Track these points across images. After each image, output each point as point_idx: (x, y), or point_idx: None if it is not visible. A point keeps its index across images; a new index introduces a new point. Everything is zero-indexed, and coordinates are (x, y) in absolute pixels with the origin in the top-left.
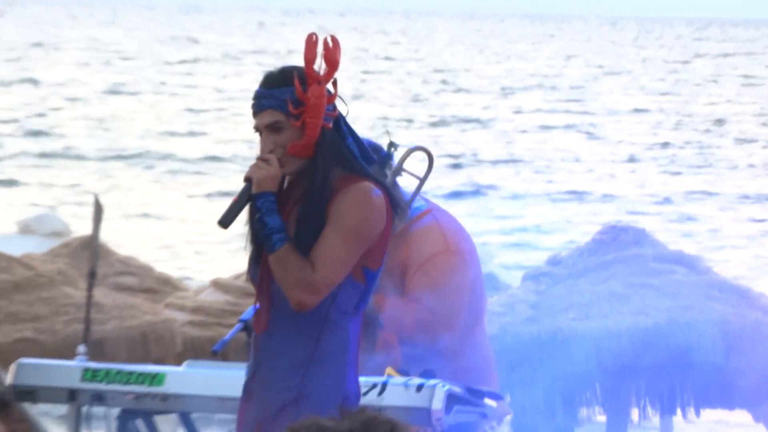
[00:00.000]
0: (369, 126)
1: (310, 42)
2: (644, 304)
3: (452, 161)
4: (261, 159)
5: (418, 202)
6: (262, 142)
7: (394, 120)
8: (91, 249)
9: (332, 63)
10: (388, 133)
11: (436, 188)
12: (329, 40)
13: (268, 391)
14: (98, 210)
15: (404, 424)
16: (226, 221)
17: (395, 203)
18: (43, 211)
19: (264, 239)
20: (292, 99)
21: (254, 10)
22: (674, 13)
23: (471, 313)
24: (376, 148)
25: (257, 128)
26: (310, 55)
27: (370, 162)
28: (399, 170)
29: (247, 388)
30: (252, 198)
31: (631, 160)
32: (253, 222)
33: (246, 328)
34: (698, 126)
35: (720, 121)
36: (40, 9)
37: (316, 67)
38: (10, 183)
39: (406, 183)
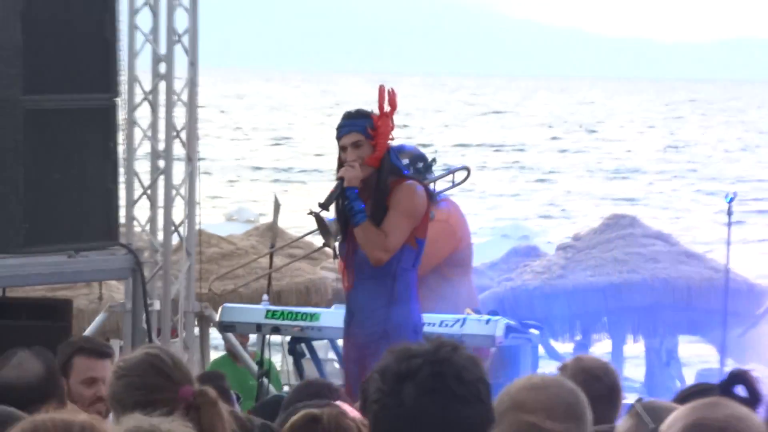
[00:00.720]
0: None
1: (382, 90)
2: (636, 265)
3: None
4: (349, 164)
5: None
6: (348, 154)
7: None
8: (272, 230)
9: (394, 105)
10: (436, 152)
11: None
12: (393, 90)
13: (364, 330)
14: (277, 205)
15: (464, 346)
16: (326, 205)
17: (430, 194)
18: (241, 206)
19: (352, 217)
20: (370, 126)
21: None
22: None
23: (459, 261)
24: (422, 157)
25: (344, 146)
26: (381, 98)
27: (407, 170)
28: (440, 177)
29: (347, 331)
30: (343, 191)
31: None
32: (344, 207)
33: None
34: None
35: None
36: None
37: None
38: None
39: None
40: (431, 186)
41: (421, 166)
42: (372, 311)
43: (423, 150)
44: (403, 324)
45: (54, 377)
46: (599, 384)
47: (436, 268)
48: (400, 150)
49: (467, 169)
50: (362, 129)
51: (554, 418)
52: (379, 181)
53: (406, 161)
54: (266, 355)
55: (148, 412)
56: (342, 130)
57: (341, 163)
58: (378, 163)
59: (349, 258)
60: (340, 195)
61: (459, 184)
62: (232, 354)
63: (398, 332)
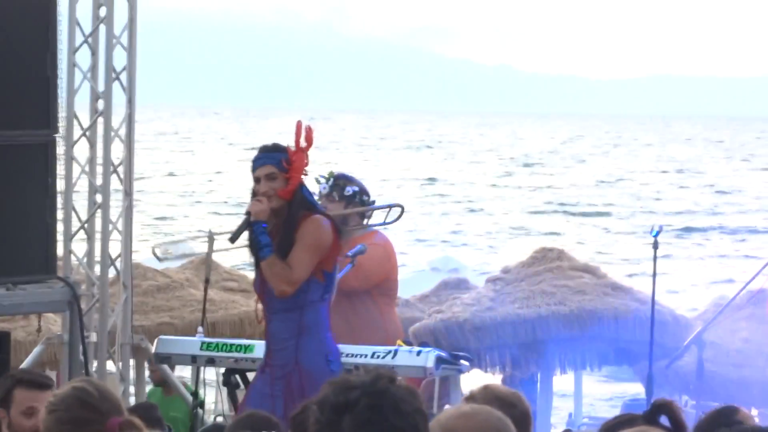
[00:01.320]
0: None
1: (299, 126)
2: (564, 297)
3: None
4: (257, 199)
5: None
6: (261, 186)
7: None
8: (206, 265)
9: (310, 140)
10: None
11: None
12: (310, 126)
13: (277, 361)
14: (211, 240)
15: (401, 378)
16: (233, 239)
17: (338, 228)
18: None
19: (259, 251)
20: (285, 160)
21: None
22: None
23: (387, 290)
24: (366, 191)
25: (258, 177)
26: (298, 134)
27: (317, 203)
28: (376, 208)
29: (265, 363)
30: (250, 225)
31: None
32: (251, 240)
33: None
34: None
35: None
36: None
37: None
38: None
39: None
40: (365, 220)
41: (366, 198)
42: (283, 342)
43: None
44: (314, 354)
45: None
46: (514, 410)
47: (368, 292)
48: (350, 180)
49: (401, 206)
50: (277, 162)
51: None
52: (290, 214)
53: (356, 189)
54: (200, 387)
55: None
56: (257, 162)
57: (254, 195)
58: (290, 196)
59: (261, 291)
60: (248, 228)
61: (394, 221)
62: (167, 386)
63: (310, 362)
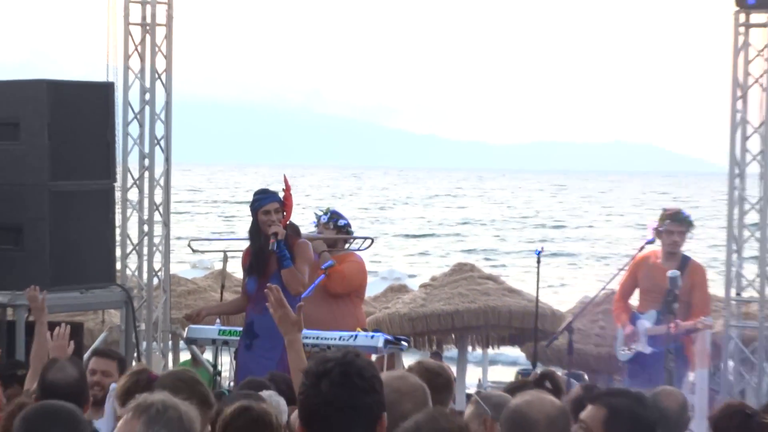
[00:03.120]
0: None
1: (286, 178)
2: (474, 298)
3: None
4: (276, 225)
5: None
6: (272, 215)
7: None
8: (222, 275)
9: (289, 187)
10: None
11: None
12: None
13: (267, 342)
14: (225, 258)
15: (363, 353)
16: (269, 249)
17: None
18: (201, 257)
19: (283, 260)
20: (281, 200)
21: None
22: None
23: (359, 293)
24: (349, 224)
25: (268, 210)
26: (287, 184)
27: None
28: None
29: (249, 345)
30: (278, 242)
31: None
32: (264, 252)
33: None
34: None
35: None
36: None
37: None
38: None
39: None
40: (347, 245)
41: (350, 230)
42: (276, 332)
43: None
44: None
45: (84, 378)
46: (440, 378)
47: (348, 294)
48: (341, 215)
49: (372, 239)
50: (279, 200)
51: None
52: (287, 236)
53: (346, 221)
54: (217, 360)
55: None
56: (266, 199)
57: (258, 224)
58: (285, 225)
59: (261, 291)
60: (275, 244)
61: (366, 248)
62: (194, 359)
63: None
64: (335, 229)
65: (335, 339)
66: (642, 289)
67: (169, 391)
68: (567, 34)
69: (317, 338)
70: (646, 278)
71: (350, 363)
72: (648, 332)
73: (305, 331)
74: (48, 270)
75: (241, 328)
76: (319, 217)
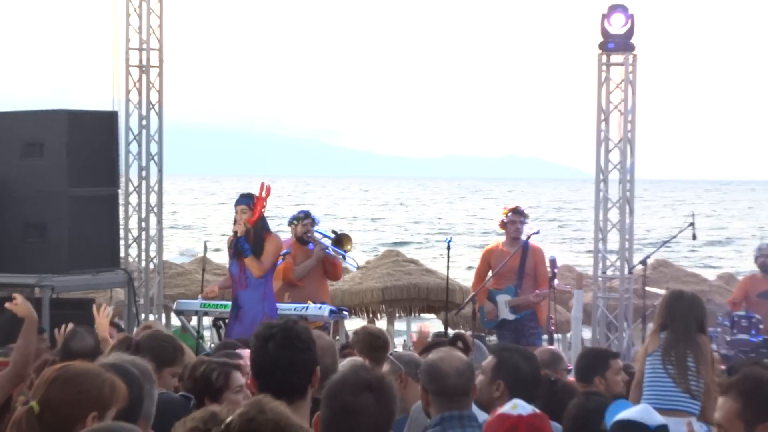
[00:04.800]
0: None
1: (262, 184)
2: (400, 276)
3: None
4: (238, 225)
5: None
6: (238, 216)
7: None
8: (203, 260)
9: (268, 193)
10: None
11: None
12: (269, 185)
13: (250, 314)
14: (205, 247)
15: (302, 320)
16: (230, 247)
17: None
18: (188, 246)
19: (243, 252)
20: (252, 202)
21: None
22: None
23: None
24: (333, 230)
25: (238, 210)
26: (260, 188)
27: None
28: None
29: (236, 314)
30: (236, 238)
31: None
32: (237, 246)
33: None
34: None
35: None
36: None
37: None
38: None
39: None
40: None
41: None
42: (254, 304)
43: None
44: (269, 311)
45: (98, 345)
46: (379, 340)
47: (325, 276)
48: (307, 215)
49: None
50: (247, 203)
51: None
52: (255, 232)
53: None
54: (201, 328)
55: None
56: (239, 201)
57: (235, 222)
58: (253, 223)
59: (241, 273)
60: (236, 239)
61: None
62: (182, 327)
63: (270, 309)
64: (313, 225)
65: (293, 309)
66: (496, 269)
67: (148, 350)
68: (473, 61)
69: (291, 310)
70: (498, 263)
71: (290, 328)
72: (510, 303)
73: (284, 305)
74: (66, 257)
75: (217, 302)
76: (301, 219)
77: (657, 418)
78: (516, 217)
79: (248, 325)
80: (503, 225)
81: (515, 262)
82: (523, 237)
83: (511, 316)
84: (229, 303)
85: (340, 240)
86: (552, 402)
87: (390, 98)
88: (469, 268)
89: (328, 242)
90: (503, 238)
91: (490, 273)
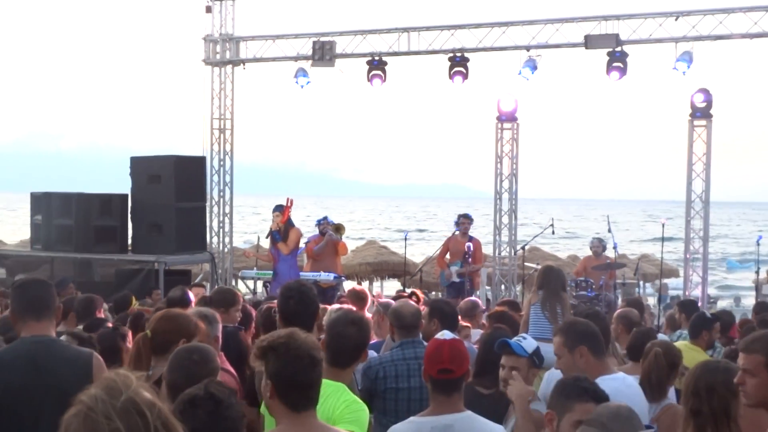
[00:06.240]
0: None
1: (288, 199)
2: (376, 256)
3: None
4: (273, 223)
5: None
6: (274, 218)
7: None
8: (257, 246)
9: (291, 203)
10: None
11: None
12: (292, 199)
13: (283, 278)
14: (258, 238)
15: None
16: (267, 236)
17: (299, 232)
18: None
19: (276, 239)
20: (281, 209)
21: None
22: None
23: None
24: (332, 221)
25: (273, 214)
26: (287, 201)
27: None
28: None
29: (274, 278)
30: (271, 231)
31: None
32: (273, 236)
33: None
34: None
35: None
36: None
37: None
38: None
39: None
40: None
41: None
42: (285, 271)
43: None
44: (294, 276)
45: (185, 296)
46: (362, 294)
47: (338, 254)
48: (325, 218)
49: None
50: (278, 210)
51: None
52: (285, 228)
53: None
54: (255, 286)
55: None
56: (274, 209)
57: (273, 221)
58: (284, 222)
59: (276, 252)
60: (271, 232)
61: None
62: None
63: (293, 277)
64: (332, 226)
65: (311, 276)
66: (451, 253)
67: (218, 299)
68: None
69: (310, 276)
70: (453, 248)
71: (305, 289)
72: (458, 272)
73: (305, 273)
74: (174, 244)
75: (265, 271)
76: (320, 221)
77: (531, 344)
78: (465, 220)
79: (282, 284)
80: (457, 224)
81: (463, 247)
82: (470, 233)
83: (458, 279)
84: (271, 272)
85: (338, 228)
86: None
87: (346, 131)
88: (422, 254)
89: (332, 231)
90: (458, 232)
91: (448, 255)
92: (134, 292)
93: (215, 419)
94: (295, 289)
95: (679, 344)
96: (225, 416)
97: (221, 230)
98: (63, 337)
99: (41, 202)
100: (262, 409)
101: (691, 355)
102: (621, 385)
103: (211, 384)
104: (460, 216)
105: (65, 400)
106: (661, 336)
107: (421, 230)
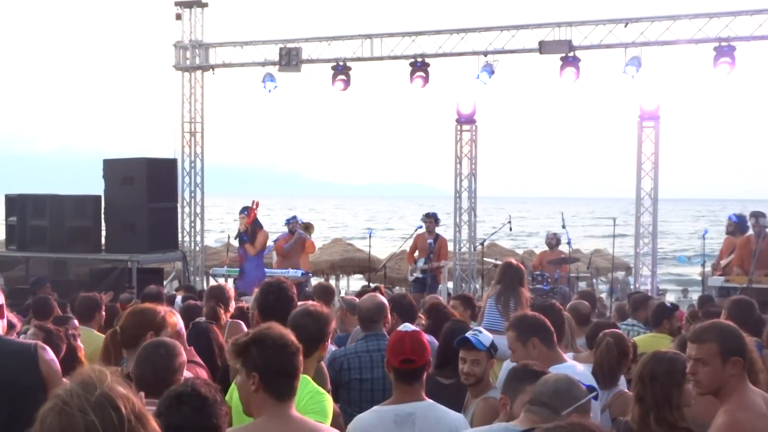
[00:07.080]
0: None
1: (253, 201)
2: (343, 252)
3: None
4: (240, 224)
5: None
6: (241, 219)
7: None
8: (227, 245)
9: (257, 205)
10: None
11: None
12: (258, 201)
13: (247, 279)
14: (228, 237)
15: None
16: (236, 237)
17: (266, 233)
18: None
19: (243, 240)
20: (248, 212)
21: None
22: None
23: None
24: (301, 220)
25: (240, 215)
26: (253, 202)
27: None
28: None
29: (240, 276)
30: (239, 232)
31: None
32: (240, 237)
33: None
34: None
35: None
36: None
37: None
38: None
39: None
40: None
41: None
42: (251, 270)
43: None
44: (260, 275)
45: (160, 293)
46: (327, 289)
47: (305, 252)
48: (294, 218)
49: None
50: (244, 212)
51: None
52: (252, 229)
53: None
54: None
55: None
56: (240, 211)
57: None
58: (250, 222)
59: (243, 252)
60: (240, 233)
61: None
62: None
63: (262, 276)
64: (301, 225)
65: (284, 274)
66: (419, 249)
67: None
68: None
69: (278, 273)
70: (420, 244)
71: (279, 287)
72: (421, 269)
73: (271, 270)
74: (146, 243)
75: (233, 269)
76: (290, 220)
77: (487, 337)
78: (427, 219)
79: (248, 282)
80: (423, 222)
81: (427, 245)
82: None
83: (421, 275)
84: (238, 270)
85: (307, 227)
86: (435, 323)
87: (316, 132)
88: (386, 250)
89: (301, 230)
90: (422, 230)
91: (417, 251)
92: (108, 290)
93: (200, 416)
94: (274, 286)
95: (646, 336)
96: (209, 413)
97: (192, 229)
98: (30, 331)
99: (15, 204)
100: (234, 404)
101: (653, 342)
102: (571, 373)
103: (196, 382)
104: (424, 215)
105: (12, 391)
106: None
107: (389, 229)
